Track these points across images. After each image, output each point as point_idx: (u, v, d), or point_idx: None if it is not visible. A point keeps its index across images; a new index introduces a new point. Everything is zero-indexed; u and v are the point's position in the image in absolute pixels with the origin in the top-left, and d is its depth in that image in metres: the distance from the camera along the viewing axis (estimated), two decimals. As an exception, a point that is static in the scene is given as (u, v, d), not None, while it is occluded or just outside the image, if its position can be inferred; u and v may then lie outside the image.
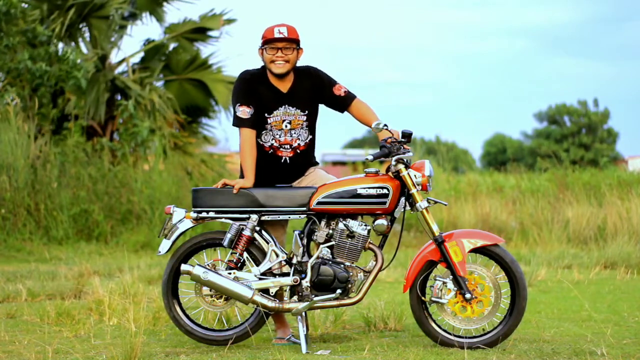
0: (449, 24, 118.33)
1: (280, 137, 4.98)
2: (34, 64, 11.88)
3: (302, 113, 5.00)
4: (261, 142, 5.00)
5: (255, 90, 4.96)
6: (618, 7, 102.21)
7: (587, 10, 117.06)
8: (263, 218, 4.88)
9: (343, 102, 5.07)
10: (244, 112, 4.95)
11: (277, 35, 4.87)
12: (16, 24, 11.99)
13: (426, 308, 4.83)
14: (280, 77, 4.95)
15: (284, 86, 4.99)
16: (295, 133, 5.00)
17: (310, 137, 5.06)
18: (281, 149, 4.99)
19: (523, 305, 4.75)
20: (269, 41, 4.90)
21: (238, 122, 4.97)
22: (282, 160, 5.00)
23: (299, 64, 5.04)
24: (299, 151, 5.02)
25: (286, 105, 4.98)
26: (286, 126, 4.98)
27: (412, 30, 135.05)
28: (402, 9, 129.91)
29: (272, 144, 4.99)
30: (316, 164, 5.17)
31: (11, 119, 11.20)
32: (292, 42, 4.91)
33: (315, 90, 5.03)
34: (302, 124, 5.01)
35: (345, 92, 5.07)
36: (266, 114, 4.97)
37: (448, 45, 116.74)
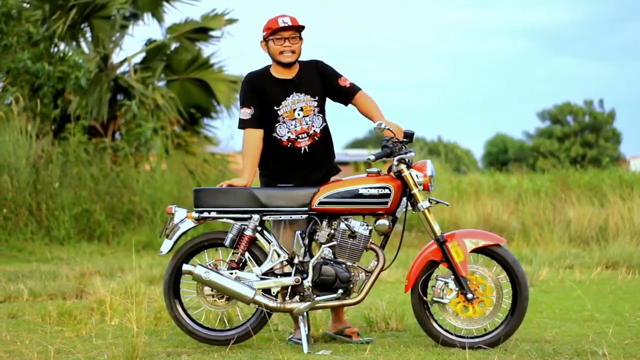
0: (450, 24, 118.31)
1: (295, 127, 4.98)
2: (34, 63, 11.89)
3: (312, 99, 5.01)
4: (278, 137, 4.98)
5: (258, 89, 4.98)
6: (618, 7, 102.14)
7: (587, 10, 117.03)
8: (265, 218, 4.88)
9: (347, 94, 5.07)
10: (245, 113, 4.98)
11: (282, 25, 4.90)
12: (15, 25, 12.00)
13: (428, 308, 4.83)
14: (287, 66, 4.97)
15: (290, 75, 5.00)
16: (309, 120, 5.00)
17: (325, 124, 5.05)
18: (299, 140, 4.98)
19: (525, 305, 4.75)
20: (276, 31, 4.92)
21: (240, 124, 5.01)
22: (302, 151, 4.99)
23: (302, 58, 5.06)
24: (316, 138, 5.01)
25: (295, 93, 4.98)
26: (299, 114, 4.98)
27: (412, 30, 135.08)
28: (403, 9, 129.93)
29: (289, 137, 4.98)
30: (333, 157, 5.14)
31: (13, 119, 11.21)
32: (298, 30, 4.96)
33: (322, 79, 5.04)
34: (314, 110, 5.01)
35: (350, 84, 5.07)
36: (275, 107, 4.97)
37: (449, 45, 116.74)
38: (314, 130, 5.00)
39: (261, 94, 4.98)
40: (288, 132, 4.97)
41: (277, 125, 4.97)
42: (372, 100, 5.08)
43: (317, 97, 5.02)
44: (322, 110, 5.05)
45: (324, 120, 5.06)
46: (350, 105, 5.11)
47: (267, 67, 5.06)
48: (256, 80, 5.02)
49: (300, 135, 4.98)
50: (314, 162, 5.01)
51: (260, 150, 4.99)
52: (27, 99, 11.99)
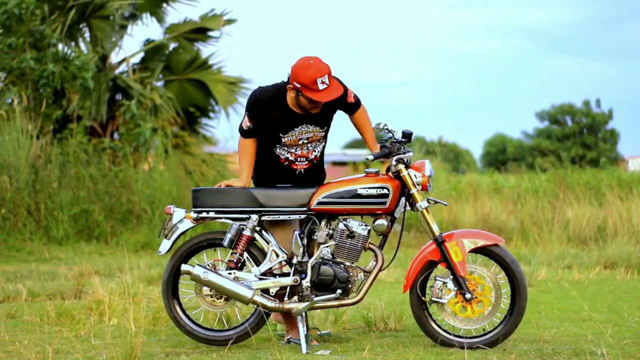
0: (448, 23, 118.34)
1: (296, 151, 4.92)
2: (38, 64, 11.90)
3: (320, 130, 4.94)
4: (277, 153, 4.93)
5: (266, 113, 4.84)
6: (618, 7, 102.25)
7: (587, 10, 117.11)
8: (263, 218, 4.88)
9: (352, 108, 5.01)
10: (245, 124, 4.91)
11: (321, 88, 4.66)
12: (28, 24, 12.03)
13: (426, 308, 4.84)
14: None
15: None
16: (311, 146, 4.94)
17: (324, 144, 5.04)
18: (296, 162, 4.93)
19: (523, 305, 4.75)
20: (314, 102, 4.71)
21: (239, 129, 4.96)
22: (297, 172, 4.95)
23: None
24: (315, 162, 4.99)
25: (304, 125, 4.87)
26: (303, 142, 4.91)
27: (411, 29, 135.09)
28: (402, 9, 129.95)
29: (287, 157, 4.92)
30: (324, 175, 5.13)
31: (14, 119, 11.20)
32: None
33: (333, 103, 4.88)
34: (320, 139, 4.97)
35: (354, 97, 4.98)
36: (281, 134, 4.87)
37: (448, 45, 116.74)
38: (315, 155, 4.97)
39: (268, 120, 4.85)
40: (288, 153, 4.92)
41: (277, 145, 4.92)
42: (369, 118, 5.06)
43: (325, 127, 4.97)
44: (326, 135, 5.02)
45: (325, 141, 5.03)
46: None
47: (283, 92, 4.84)
48: (267, 104, 4.84)
49: (299, 159, 4.94)
50: (307, 182, 4.97)
51: (255, 152, 4.96)
52: (31, 99, 11.99)
